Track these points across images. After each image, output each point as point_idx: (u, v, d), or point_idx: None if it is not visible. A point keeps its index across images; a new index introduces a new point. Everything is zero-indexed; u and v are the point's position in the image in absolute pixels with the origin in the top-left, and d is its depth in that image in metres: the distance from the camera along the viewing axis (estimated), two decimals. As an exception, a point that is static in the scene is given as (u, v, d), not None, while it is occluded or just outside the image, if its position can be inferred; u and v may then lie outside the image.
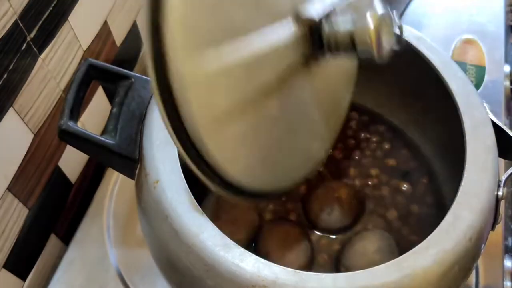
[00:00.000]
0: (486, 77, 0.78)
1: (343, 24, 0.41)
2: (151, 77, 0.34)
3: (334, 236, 0.57)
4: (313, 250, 0.56)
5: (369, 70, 0.63)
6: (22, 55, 0.55)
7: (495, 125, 0.50)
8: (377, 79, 0.64)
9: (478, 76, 0.78)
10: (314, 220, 0.57)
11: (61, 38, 0.61)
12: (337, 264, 0.55)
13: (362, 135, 0.65)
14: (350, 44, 0.42)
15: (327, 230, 0.57)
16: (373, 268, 0.41)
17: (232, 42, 0.37)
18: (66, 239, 0.70)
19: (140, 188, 0.48)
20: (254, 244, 0.56)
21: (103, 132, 0.49)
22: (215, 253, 0.41)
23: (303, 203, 0.59)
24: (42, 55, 0.59)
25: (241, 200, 0.44)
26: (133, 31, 0.80)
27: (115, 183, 0.69)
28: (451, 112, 0.51)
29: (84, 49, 0.67)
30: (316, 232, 0.58)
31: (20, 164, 0.58)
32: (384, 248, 0.53)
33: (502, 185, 0.47)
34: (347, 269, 0.52)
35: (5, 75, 0.53)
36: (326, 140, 0.53)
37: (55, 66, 0.62)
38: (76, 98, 0.49)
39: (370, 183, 0.61)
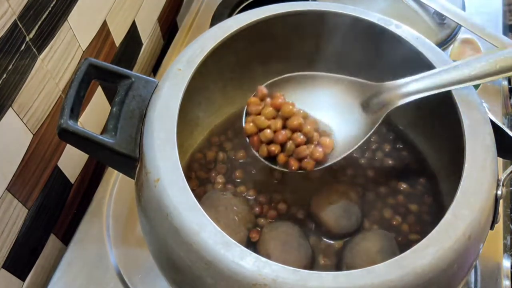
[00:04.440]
0: (485, 77, 0.78)
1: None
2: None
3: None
4: (314, 251, 0.56)
5: (368, 70, 0.63)
6: (21, 56, 0.55)
7: (494, 124, 0.50)
8: (376, 79, 0.64)
9: (476, 76, 0.78)
10: (320, 227, 0.58)
11: (60, 38, 0.61)
12: (339, 264, 0.55)
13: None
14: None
15: (333, 236, 0.58)
16: (373, 266, 0.41)
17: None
18: (66, 239, 0.70)
19: (140, 187, 0.48)
20: (254, 246, 0.56)
21: (103, 131, 0.49)
22: (216, 252, 0.41)
23: (308, 208, 0.59)
24: (41, 55, 0.59)
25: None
26: (132, 31, 0.80)
27: (114, 183, 0.69)
28: (450, 112, 0.51)
29: (83, 49, 0.67)
30: (319, 235, 0.58)
31: (20, 164, 0.58)
32: (386, 248, 0.53)
33: (501, 184, 0.47)
34: (349, 269, 0.52)
35: (4, 75, 0.53)
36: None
37: (54, 66, 0.62)
38: (76, 97, 0.49)
39: (370, 183, 0.61)
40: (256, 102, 0.55)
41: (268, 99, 0.55)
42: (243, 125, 0.55)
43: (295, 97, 0.56)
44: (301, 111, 0.55)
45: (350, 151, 0.53)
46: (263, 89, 0.55)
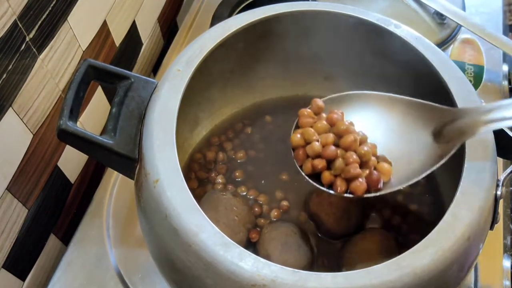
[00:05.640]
0: (485, 77, 0.78)
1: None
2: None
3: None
4: (314, 252, 0.56)
5: (368, 70, 0.63)
6: (21, 56, 0.55)
7: (494, 124, 0.50)
8: (375, 79, 0.64)
9: (476, 76, 0.78)
10: (320, 227, 0.58)
11: (60, 38, 0.61)
12: (339, 264, 0.55)
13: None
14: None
15: (333, 236, 0.58)
16: (372, 267, 0.41)
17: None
18: (66, 239, 0.70)
19: (139, 188, 0.48)
20: (254, 246, 0.56)
21: (103, 132, 0.50)
22: (215, 252, 0.41)
23: (308, 208, 0.59)
24: (41, 55, 0.59)
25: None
26: (132, 31, 0.80)
27: (114, 183, 0.69)
28: (450, 112, 0.51)
29: (83, 49, 0.67)
30: (319, 235, 0.58)
31: (19, 164, 0.58)
32: (386, 248, 0.53)
33: (500, 184, 0.47)
34: (349, 270, 0.52)
35: (4, 75, 0.53)
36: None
37: (54, 66, 0.62)
38: (76, 98, 0.49)
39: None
40: (309, 115, 0.51)
41: (323, 114, 0.51)
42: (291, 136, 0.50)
43: (355, 118, 0.51)
44: (360, 133, 0.49)
45: (410, 182, 0.48)
46: (318, 102, 0.51)
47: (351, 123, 0.50)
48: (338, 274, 0.41)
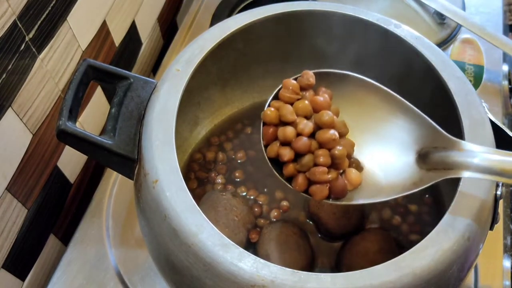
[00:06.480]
0: (485, 77, 0.78)
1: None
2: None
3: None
4: (314, 252, 0.56)
5: (368, 70, 0.63)
6: (21, 55, 0.55)
7: (493, 124, 0.50)
8: (375, 79, 0.64)
9: (476, 76, 0.78)
10: (320, 227, 0.57)
11: (59, 38, 0.61)
12: (338, 265, 0.55)
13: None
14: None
15: (333, 236, 0.58)
16: (372, 267, 0.41)
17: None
18: (65, 239, 0.70)
19: (139, 188, 0.48)
20: (254, 247, 0.56)
21: (102, 132, 0.49)
22: (214, 253, 0.41)
23: (308, 208, 0.59)
24: (41, 55, 0.59)
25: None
26: (132, 31, 0.80)
27: (114, 183, 0.69)
28: (450, 112, 0.51)
29: (83, 49, 0.67)
30: (319, 235, 0.58)
31: (19, 164, 0.58)
32: (385, 249, 0.53)
33: (500, 184, 0.47)
34: (348, 270, 0.52)
35: (4, 75, 0.53)
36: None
37: (54, 66, 0.62)
38: (75, 99, 0.49)
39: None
40: (293, 89, 0.44)
41: (311, 92, 0.45)
42: (265, 107, 0.44)
43: (344, 103, 0.46)
44: (343, 124, 0.45)
45: (377, 200, 0.44)
46: (310, 76, 0.45)
47: (337, 111, 0.45)
48: (338, 274, 0.41)
